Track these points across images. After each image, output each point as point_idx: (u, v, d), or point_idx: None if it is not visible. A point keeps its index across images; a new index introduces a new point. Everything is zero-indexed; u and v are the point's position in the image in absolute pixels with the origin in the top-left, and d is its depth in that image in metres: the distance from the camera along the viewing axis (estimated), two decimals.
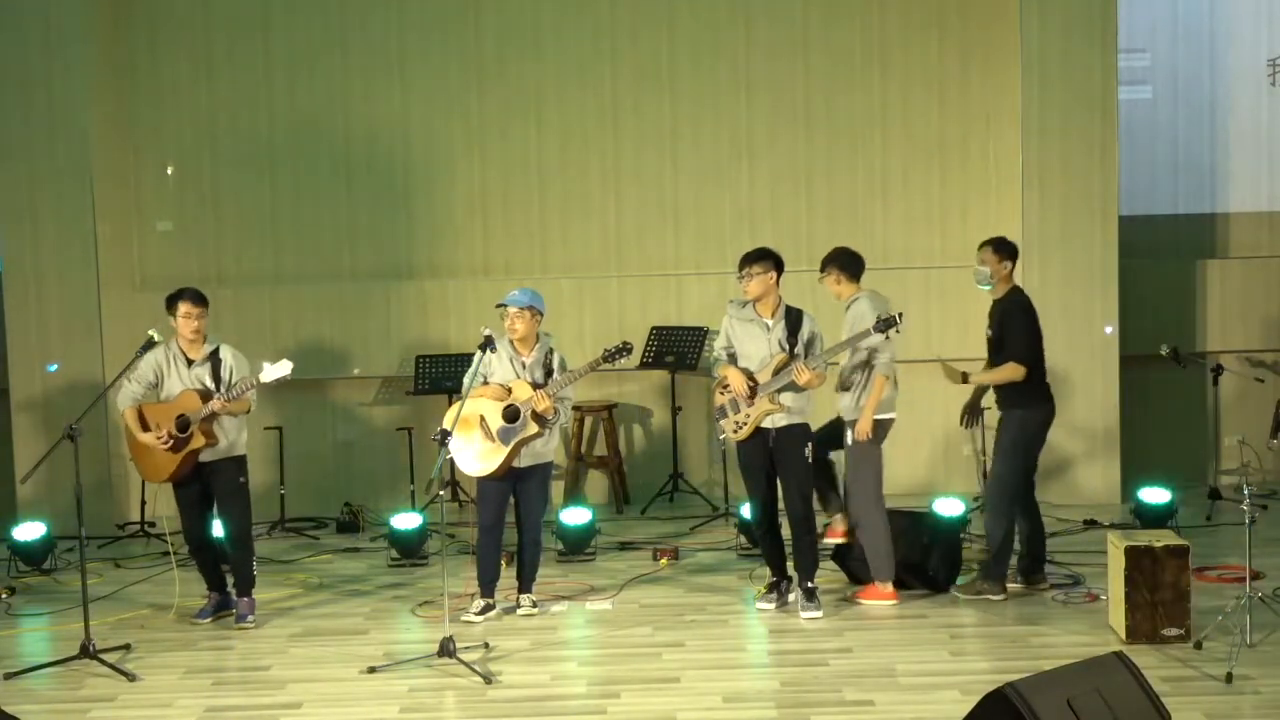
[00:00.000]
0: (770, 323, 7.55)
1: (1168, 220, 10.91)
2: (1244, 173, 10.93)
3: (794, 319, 7.55)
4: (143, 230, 10.63)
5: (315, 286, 10.55)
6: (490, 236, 10.67)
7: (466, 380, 7.55)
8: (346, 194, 10.64)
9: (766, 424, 7.51)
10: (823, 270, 7.97)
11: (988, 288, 7.80)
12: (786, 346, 7.49)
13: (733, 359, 7.62)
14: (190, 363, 7.60)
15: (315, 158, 10.62)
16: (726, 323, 7.67)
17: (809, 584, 7.59)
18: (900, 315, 7.42)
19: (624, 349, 7.62)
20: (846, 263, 7.91)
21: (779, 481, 7.62)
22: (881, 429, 7.74)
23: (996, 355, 7.81)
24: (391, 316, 10.56)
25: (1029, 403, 7.75)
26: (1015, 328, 7.72)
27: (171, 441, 7.49)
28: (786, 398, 7.45)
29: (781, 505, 7.69)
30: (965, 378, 7.89)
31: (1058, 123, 10.01)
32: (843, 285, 7.89)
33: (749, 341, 7.56)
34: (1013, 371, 7.68)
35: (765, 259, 7.54)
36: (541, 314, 7.64)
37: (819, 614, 7.52)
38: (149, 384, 7.64)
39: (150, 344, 7.57)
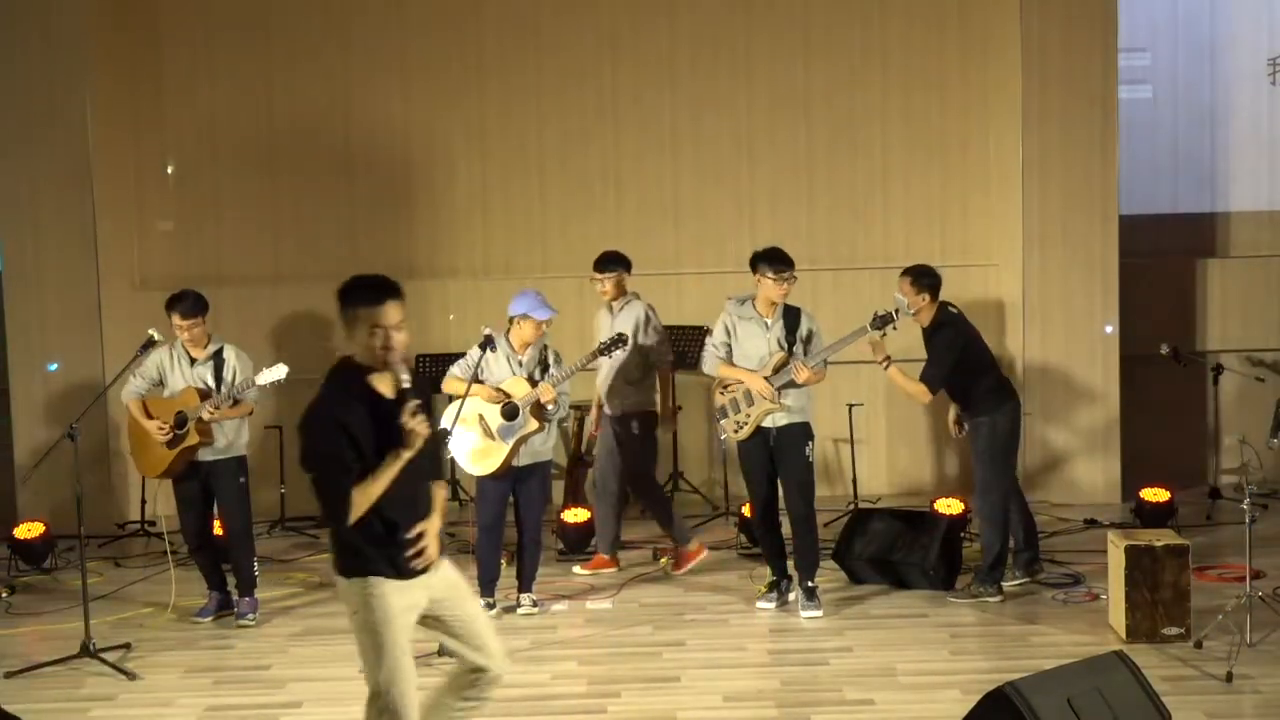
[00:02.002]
0: (770, 321, 7.56)
1: (1168, 220, 10.90)
2: (1244, 173, 10.92)
3: (792, 317, 7.57)
4: (143, 230, 10.62)
5: (315, 286, 10.50)
6: (490, 236, 10.67)
7: (459, 372, 7.52)
8: (346, 194, 10.64)
9: (767, 423, 7.51)
10: (606, 270, 8.38)
11: (911, 314, 7.73)
12: (785, 345, 7.50)
13: (727, 356, 7.62)
14: (193, 361, 7.63)
15: (315, 158, 10.61)
16: (726, 320, 7.67)
17: (809, 583, 7.60)
18: (897, 312, 7.44)
19: (619, 341, 7.62)
20: (630, 266, 8.48)
21: (779, 481, 7.62)
22: (652, 420, 8.45)
23: (954, 394, 7.89)
24: None
25: (993, 407, 7.72)
26: (933, 352, 7.73)
27: (170, 434, 7.52)
28: (787, 397, 7.46)
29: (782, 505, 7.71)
30: (888, 363, 7.68)
31: (1058, 122, 10.00)
32: (620, 288, 8.43)
33: (748, 340, 7.57)
34: (917, 391, 7.69)
35: (790, 264, 7.51)
36: None
37: (819, 613, 7.52)
38: (152, 380, 7.68)
39: (150, 343, 7.58)
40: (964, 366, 7.72)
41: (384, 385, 4.62)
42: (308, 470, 4.58)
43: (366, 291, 4.58)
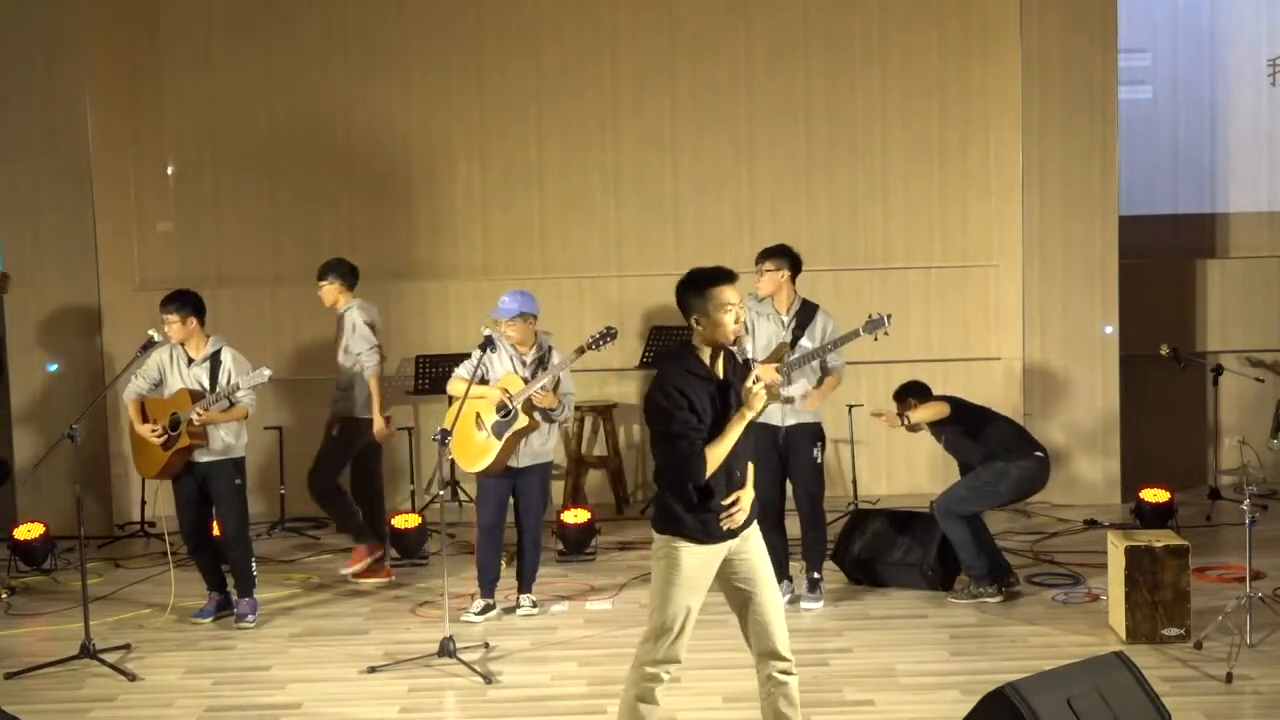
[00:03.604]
0: (786, 318, 7.60)
1: (1168, 220, 10.91)
2: (1244, 173, 10.92)
3: (807, 314, 7.60)
4: (143, 230, 10.62)
5: (315, 287, 10.52)
6: (490, 236, 10.67)
7: (464, 373, 7.53)
8: (346, 194, 10.64)
9: (776, 421, 7.51)
10: (321, 278, 8.56)
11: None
12: (793, 339, 7.55)
13: None
14: (190, 362, 7.63)
15: (315, 158, 10.61)
16: (745, 316, 7.69)
17: (815, 574, 7.68)
18: (889, 317, 7.47)
19: (608, 334, 7.57)
20: (345, 273, 8.57)
21: (788, 479, 7.65)
22: (360, 426, 8.46)
23: (969, 446, 7.90)
24: (391, 316, 10.54)
25: (1008, 456, 7.72)
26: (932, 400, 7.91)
27: (164, 436, 7.53)
28: (797, 394, 7.47)
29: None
30: (906, 422, 7.83)
31: (1058, 123, 10.01)
32: (341, 294, 8.54)
33: (762, 336, 7.61)
34: (939, 409, 7.79)
35: (778, 257, 7.62)
36: (533, 316, 7.63)
37: (819, 605, 7.61)
38: (154, 381, 7.69)
39: (150, 344, 7.59)
40: (964, 422, 7.80)
41: (717, 362, 5.10)
42: (660, 436, 5.06)
43: (715, 275, 5.12)
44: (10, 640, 7.63)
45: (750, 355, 4.97)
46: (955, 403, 7.91)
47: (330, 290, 8.58)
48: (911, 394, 7.98)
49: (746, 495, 5.13)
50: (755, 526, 5.24)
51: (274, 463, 10.13)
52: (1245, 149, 10.90)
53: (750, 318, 7.66)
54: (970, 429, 7.85)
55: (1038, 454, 7.83)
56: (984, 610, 7.57)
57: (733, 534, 5.12)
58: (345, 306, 8.55)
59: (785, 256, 7.64)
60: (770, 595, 5.23)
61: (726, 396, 5.07)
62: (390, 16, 10.55)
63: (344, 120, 10.62)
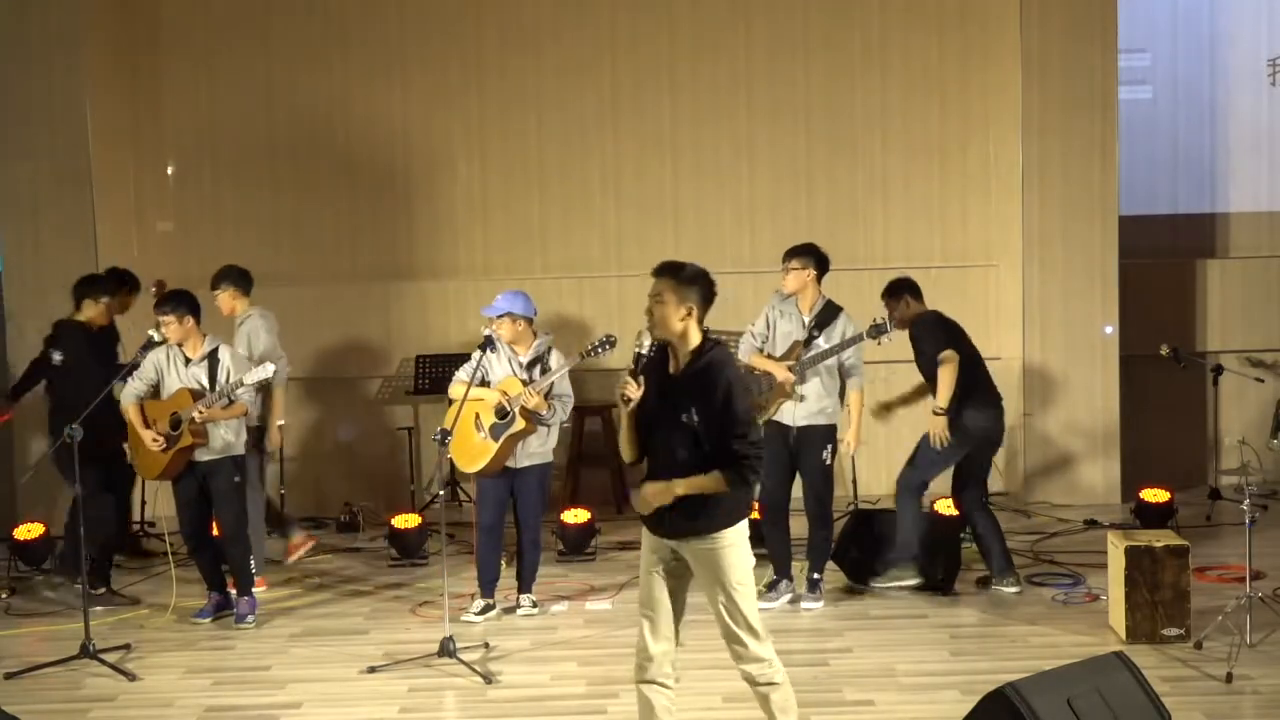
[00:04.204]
0: (807, 318, 7.63)
1: (1168, 220, 10.91)
2: (1244, 173, 10.92)
3: (829, 314, 7.63)
4: (143, 230, 10.62)
5: (315, 287, 10.54)
6: (490, 236, 10.68)
7: (464, 375, 7.53)
8: (346, 194, 10.64)
9: (787, 420, 7.52)
10: (215, 287, 8.49)
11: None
12: (810, 337, 7.58)
13: (763, 346, 7.67)
14: (188, 361, 7.62)
15: (315, 158, 10.62)
16: (768, 311, 7.73)
17: (815, 575, 7.69)
18: (890, 321, 7.50)
19: (607, 341, 7.57)
20: (239, 279, 8.48)
21: (799, 478, 7.67)
22: (253, 435, 8.25)
23: (929, 372, 7.80)
24: (391, 316, 10.56)
25: (964, 405, 7.66)
26: (930, 339, 7.71)
27: (165, 442, 7.52)
28: (810, 394, 7.46)
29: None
30: (937, 410, 7.74)
31: (1058, 123, 10.01)
32: (237, 301, 8.48)
33: (781, 334, 7.66)
34: (949, 362, 7.58)
35: (804, 255, 7.66)
36: (524, 317, 7.59)
37: (819, 605, 7.61)
38: (151, 382, 7.68)
39: (150, 344, 7.59)
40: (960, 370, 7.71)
41: (675, 352, 5.18)
42: None
43: None
44: (10, 640, 7.63)
45: (644, 352, 5.07)
46: (958, 345, 7.70)
47: (225, 298, 8.50)
48: (907, 291, 7.85)
49: (656, 489, 5.05)
50: (712, 546, 5.12)
51: (274, 462, 10.10)
52: (1245, 149, 10.90)
53: (772, 315, 7.68)
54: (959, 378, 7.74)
55: (991, 405, 7.78)
56: (984, 610, 7.57)
57: (659, 527, 5.14)
58: (244, 314, 8.49)
59: (812, 255, 7.64)
60: (716, 612, 5.22)
61: (662, 384, 5.14)
62: (390, 16, 10.55)
63: (344, 120, 10.62)
